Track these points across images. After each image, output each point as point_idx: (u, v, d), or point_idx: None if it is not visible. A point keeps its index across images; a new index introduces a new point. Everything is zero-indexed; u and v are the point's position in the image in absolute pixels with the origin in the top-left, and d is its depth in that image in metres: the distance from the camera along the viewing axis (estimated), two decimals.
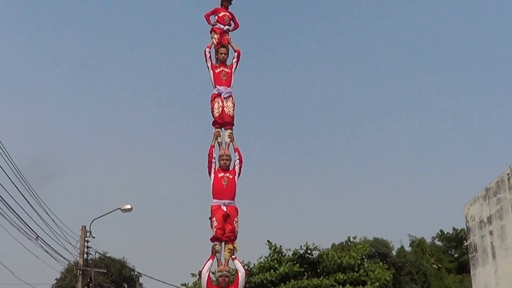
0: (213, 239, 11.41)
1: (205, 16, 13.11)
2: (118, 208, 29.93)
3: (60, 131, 79.76)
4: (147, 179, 78.21)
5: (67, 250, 28.10)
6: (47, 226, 25.12)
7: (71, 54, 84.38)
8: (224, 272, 10.97)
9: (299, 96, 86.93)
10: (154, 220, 69.71)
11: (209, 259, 11.22)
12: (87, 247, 30.12)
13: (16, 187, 21.75)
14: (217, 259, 11.28)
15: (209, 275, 11.10)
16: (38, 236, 24.00)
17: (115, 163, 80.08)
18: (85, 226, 29.99)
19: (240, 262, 11.44)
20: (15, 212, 21.69)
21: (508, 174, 25.85)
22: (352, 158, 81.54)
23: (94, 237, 30.15)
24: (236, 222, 11.50)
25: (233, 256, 11.36)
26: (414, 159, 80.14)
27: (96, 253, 32.01)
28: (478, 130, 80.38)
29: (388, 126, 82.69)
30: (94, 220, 29.96)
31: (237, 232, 11.50)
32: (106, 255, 42.39)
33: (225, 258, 11.34)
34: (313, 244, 37.24)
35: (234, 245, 11.41)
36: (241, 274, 11.17)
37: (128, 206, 30.16)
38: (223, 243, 11.42)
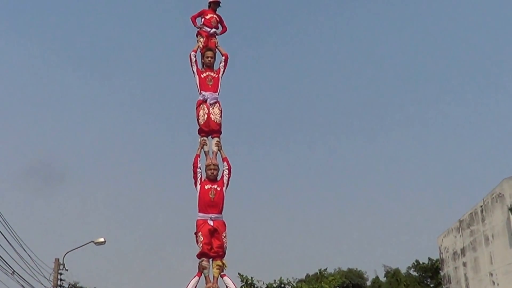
0: (200, 255, 10.70)
1: (191, 18, 12.52)
2: (92, 241, 29.70)
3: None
4: (121, 210, 77.28)
5: (41, 284, 27.68)
6: (23, 260, 24.97)
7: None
8: None
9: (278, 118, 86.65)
10: (127, 252, 68.83)
11: (195, 276, 10.59)
12: (60, 279, 29.79)
13: None
14: (205, 276, 10.59)
15: None
16: (14, 271, 23.87)
17: (87, 193, 78.95)
18: (58, 259, 29.65)
19: (231, 279, 10.76)
20: None
21: (481, 206, 26.22)
22: (326, 188, 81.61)
23: (67, 270, 29.90)
24: (225, 237, 10.83)
25: (222, 273, 10.67)
26: (389, 188, 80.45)
27: (70, 285, 31.72)
28: (453, 161, 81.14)
29: (365, 155, 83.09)
30: (67, 253, 29.69)
31: (226, 247, 10.81)
32: (77, 285, 41.90)
33: (213, 275, 10.63)
34: (287, 278, 37.50)
35: (223, 261, 10.72)
36: None
37: (102, 239, 29.80)
38: (210, 260, 10.72)
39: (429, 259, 44.97)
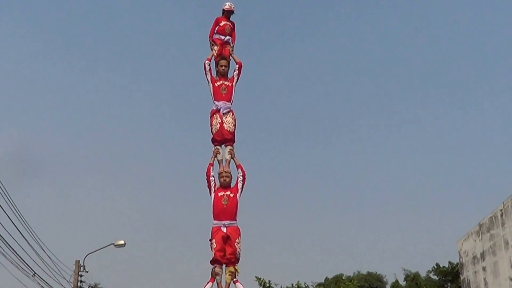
0: (213, 261, 10.93)
1: (209, 36, 12.61)
2: (112, 244, 29.93)
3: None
4: (141, 212, 77.61)
5: (62, 286, 27.94)
6: (43, 262, 25.13)
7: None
8: None
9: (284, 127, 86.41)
10: (148, 254, 69.16)
11: (208, 282, 10.79)
12: (81, 281, 30.05)
13: (15, 225, 21.96)
14: (217, 282, 10.81)
15: None
16: (35, 273, 24.10)
17: (109, 195, 79.39)
18: (78, 261, 29.92)
19: (243, 285, 10.95)
20: (14, 250, 21.85)
21: (501, 210, 25.98)
22: (345, 191, 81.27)
23: (87, 272, 30.14)
24: (238, 243, 10.99)
25: (234, 279, 10.87)
26: (409, 191, 79.86)
27: (90, 287, 31.98)
28: (472, 164, 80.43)
29: (381, 159, 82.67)
30: (87, 255, 29.96)
31: (239, 254, 10.99)
32: (98, 286, 42.29)
33: (226, 282, 10.86)
34: (305, 283, 37.49)
35: (236, 267, 10.92)
36: None
37: (122, 242, 29.99)
38: (223, 266, 10.94)
39: (449, 263, 44.46)
